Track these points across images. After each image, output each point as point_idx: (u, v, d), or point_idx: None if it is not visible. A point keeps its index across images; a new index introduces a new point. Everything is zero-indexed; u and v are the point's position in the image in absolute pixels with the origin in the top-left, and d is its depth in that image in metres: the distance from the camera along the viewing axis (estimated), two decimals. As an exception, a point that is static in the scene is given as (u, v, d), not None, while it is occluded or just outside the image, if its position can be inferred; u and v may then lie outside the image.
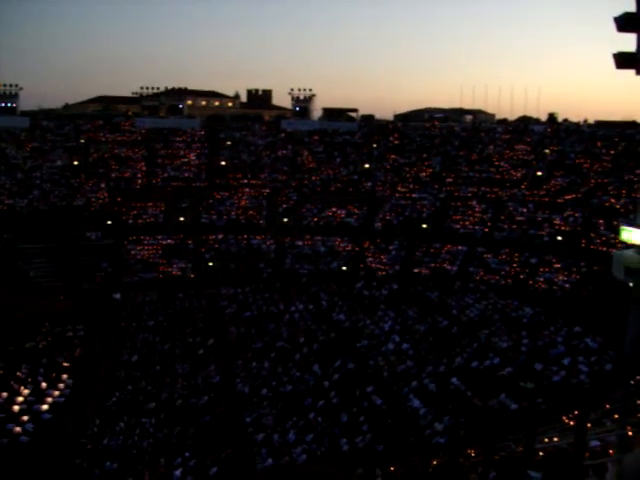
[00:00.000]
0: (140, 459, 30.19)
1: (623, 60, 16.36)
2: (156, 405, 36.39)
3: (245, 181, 72.45)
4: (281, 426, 32.17)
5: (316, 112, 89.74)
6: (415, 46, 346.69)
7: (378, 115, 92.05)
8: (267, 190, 71.49)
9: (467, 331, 42.59)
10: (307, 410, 33.55)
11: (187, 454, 29.79)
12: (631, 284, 17.49)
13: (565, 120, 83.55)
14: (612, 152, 63.73)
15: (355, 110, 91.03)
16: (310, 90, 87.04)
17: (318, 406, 33.86)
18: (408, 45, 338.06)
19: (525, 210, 60.94)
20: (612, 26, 16.40)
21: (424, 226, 62.10)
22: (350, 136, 79.51)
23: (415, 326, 44.80)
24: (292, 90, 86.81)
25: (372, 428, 30.37)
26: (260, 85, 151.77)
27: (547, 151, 67.98)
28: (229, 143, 78.05)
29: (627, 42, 16.29)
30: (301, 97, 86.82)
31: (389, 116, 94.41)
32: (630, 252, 17.52)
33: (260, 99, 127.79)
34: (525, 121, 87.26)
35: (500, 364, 36.55)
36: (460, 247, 59.27)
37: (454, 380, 34.52)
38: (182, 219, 66.85)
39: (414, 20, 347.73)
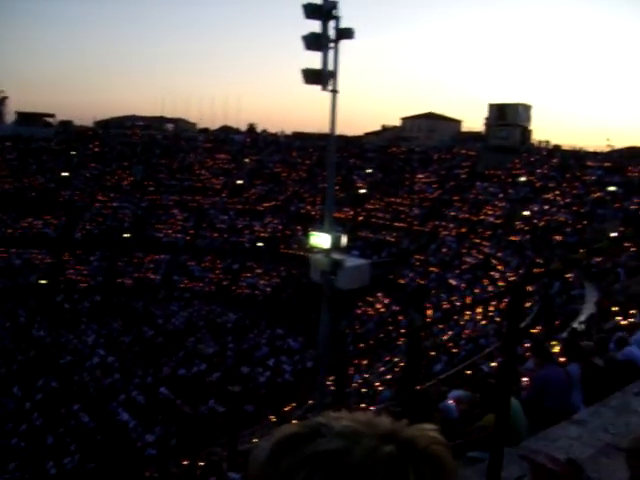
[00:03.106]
0: None
1: (309, 76, 17.62)
2: None
3: None
4: (-21, 457, 29.90)
5: (9, 116, 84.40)
6: (117, 51, 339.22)
7: (77, 121, 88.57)
8: (-46, 200, 65.72)
9: (173, 339, 42.82)
10: (8, 436, 31.49)
11: None
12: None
13: (264, 131, 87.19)
14: (307, 162, 67.56)
15: (52, 115, 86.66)
16: (2, 92, 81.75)
17: (20, 430, 31.95)
18: (109, 50, 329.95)
19: (226, 217, 62.34)
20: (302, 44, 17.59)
21: (126, 235, 61.01)
22: (47, 143, 75.49)
23: (120, 338, 44.09)
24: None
25: (81, 447, 29.38)
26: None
27: (247, 160, 70.16)
28: None
29: (315, 60, 17.57)
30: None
31: (89, 122, 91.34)
32: (321, 256, 18.91)
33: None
34: (226, 131, 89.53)
35: (207, 370, 37.27)
36: (163, 256, 59.08)
37: (163, 390, 34.49)
38: None
39: (115, 23, 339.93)
